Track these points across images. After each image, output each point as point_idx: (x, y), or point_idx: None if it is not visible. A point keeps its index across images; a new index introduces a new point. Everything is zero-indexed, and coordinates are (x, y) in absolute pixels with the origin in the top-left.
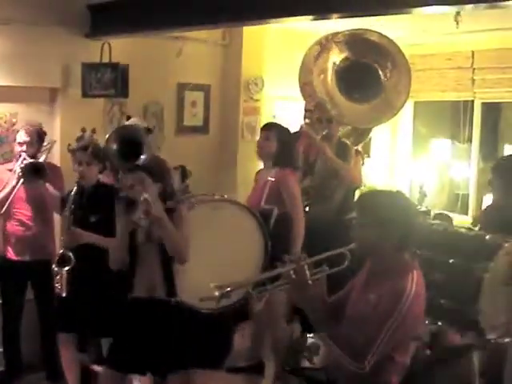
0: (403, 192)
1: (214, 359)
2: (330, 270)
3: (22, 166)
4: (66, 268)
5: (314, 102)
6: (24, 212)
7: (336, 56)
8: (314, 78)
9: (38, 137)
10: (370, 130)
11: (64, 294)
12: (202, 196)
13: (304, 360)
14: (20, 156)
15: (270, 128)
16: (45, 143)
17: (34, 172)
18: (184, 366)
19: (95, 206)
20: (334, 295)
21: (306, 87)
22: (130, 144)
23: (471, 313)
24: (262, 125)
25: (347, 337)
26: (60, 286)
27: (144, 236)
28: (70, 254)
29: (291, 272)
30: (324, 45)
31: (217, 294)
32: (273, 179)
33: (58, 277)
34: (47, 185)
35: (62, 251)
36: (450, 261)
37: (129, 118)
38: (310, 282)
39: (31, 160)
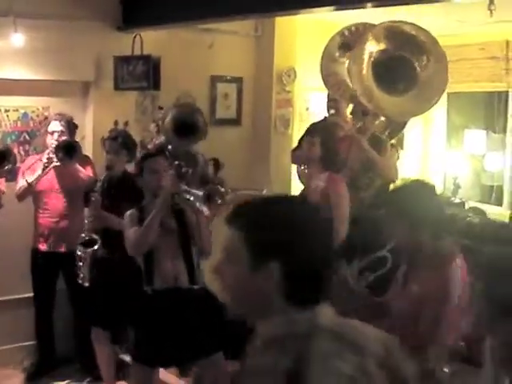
0: (428, 182)
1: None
2: (372, 275)
3: (56, 144)
4: (91, 249)
5: (341, 92)
6: (55, 203)
7: (373, 48)
8: (350, 70)
9: (70, 128)
10: (405, 123)
11: (86, 284)
12: (248, 191)
13: None
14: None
15: (314, 133)
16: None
17: (68, 150)
18: (215, 351)
19: (122, 194)
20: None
21: (329, 78)
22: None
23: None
24: (294, 117)
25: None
26: (82, 274)
27: (162, 227)
28: (95, 236)
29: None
30: (359, 36)
31: None
32: (323, 184)
33: (80, 262)
34: (78, 166)
35: (86, 234)
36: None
37: (161, 108)
38: (354, 289)
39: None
